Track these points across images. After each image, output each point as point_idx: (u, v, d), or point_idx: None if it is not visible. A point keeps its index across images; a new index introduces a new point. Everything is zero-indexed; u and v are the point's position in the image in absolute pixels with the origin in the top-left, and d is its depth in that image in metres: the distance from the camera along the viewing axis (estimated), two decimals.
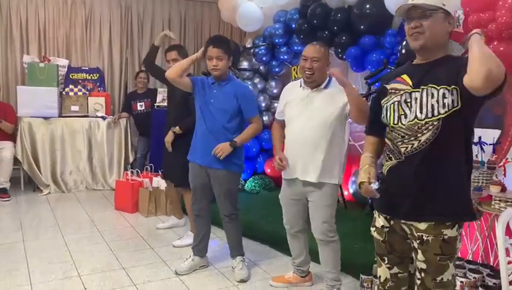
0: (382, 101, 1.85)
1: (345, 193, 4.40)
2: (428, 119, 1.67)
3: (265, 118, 5.50)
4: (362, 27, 3.99)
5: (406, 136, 1.73)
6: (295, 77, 5.34)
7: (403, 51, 3.37)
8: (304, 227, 2.84)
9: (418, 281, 1.78)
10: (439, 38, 1.71)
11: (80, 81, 5.87)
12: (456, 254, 1.76)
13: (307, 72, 2.57)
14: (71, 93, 5.62)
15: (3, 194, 4.94)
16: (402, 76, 1.80)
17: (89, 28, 6.09)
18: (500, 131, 3.12)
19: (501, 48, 2.70)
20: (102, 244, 3.69)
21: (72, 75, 5.84)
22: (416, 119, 1.70)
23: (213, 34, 6.43)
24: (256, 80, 5.44)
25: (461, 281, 2.52)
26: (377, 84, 3.63)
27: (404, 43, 3.36)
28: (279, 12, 5.02)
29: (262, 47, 5.21)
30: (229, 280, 3.08)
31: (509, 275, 1.85)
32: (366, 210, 3.96)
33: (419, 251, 1.74)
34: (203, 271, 3.19)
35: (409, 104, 1.73)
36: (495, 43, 2.74)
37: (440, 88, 1.66)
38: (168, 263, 3.33)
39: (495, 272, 2.60)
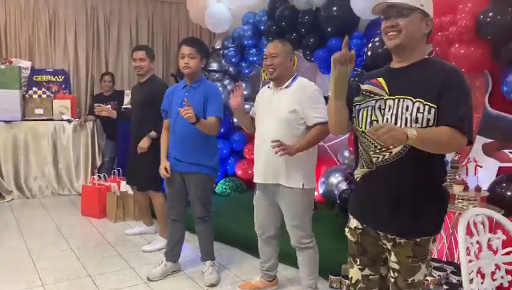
0: (355, 99, 1.79)
1: (315, 193, 4.42)
2: None
3: (235, 120, 5.48)
4: (329, 29, 4.02)
5: (378, 146, 1.69)
6: (265, 79, 5.35)
7: (369, 53, 3.42)
8: (276, 233, 2.79)
9: (392, 280, 1.78)
10: (415, 39, 1.67)
11: (44, 83, 5.70)
12: (429, 255, 1.75)
13: (269, 69, 2.59)
14: (35, 96, 5.45)
15: None
16: (378, 79, 1.75)
17: (53, 28, 5.93)
18: None
19: (461, 51, 2.78)
20: (67, 252, 3.59)
21: (35, 77, 5.66)
22: None
23: (182, 36, 6.45)
24: (226, 82, 5.42)
25: (426, 279, 2.57)
26: None
27: (370, 45, 3.41)
28: (248, 14, 5.02)
29: (231, 48, 5.20)
30: (198, 284, 3.04)
31: (469, 273, 1.89)
32: (335, 211, 4.00)
33: (393, 253, 1.74)
34: (172, 276, 3.14)
35: (382, 111, 1.69)
36: (456, 45, 2.81)
37: (416, 101, 1.61)
38: (136, 269, 3.27)
39: (459, 270, 2.66)
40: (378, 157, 1.70)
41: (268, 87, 2.71)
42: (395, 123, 1.64)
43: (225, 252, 3.62)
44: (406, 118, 1.62)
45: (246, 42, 5.03)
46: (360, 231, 1.83)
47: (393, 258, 1.74)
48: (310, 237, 2.66)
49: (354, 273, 1.90)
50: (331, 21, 3.98)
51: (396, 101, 1.66)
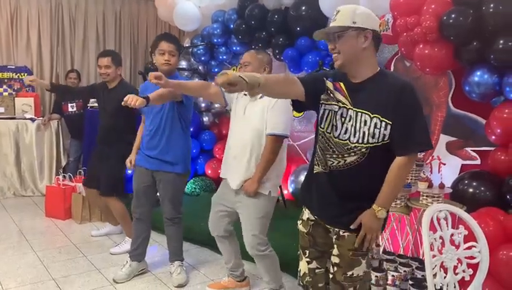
0: (322, 97, 1.81)
1: (285, 191, 4.45)
2: (358, 144, 1.72)
3: (205, 119, 5.45)
4: (298, 29, 4.04)
5: (336, 152, 1.76)
6: None
7: None
8: (225, 234, 2.75)
9: (331, 276, 1.85)
10: (356, 56, 1.71)
11: (6, 80, 5.49)
12: (370, 252, 1.85)
13: None
14: None
15: None
16: (340, 83, 1.78)
17: (15, 24, 5.70)
18: None
19: (426, 51, 2.84)
20: (30, 255, 3.46)
21: None
22: (348, 141, 1.73)
23: (150, 33, 6.36)
24: (196, 80, 5.36)
25: (392, 275, 2.61)
26: None
27: None
28: (217, 12, 4.98)
29: (200, 47, 5.15)
30: (166, 285, 3.00)
31: (433, 268, 1.94)
32: None
33: (335, 246, 1.83)
34: (139, 278, 3.08)
35: (343, 119, 1.75)
36: (420, 45, 2.87)
37: (373, 116, 1.69)
38: (102, 271, 3.19)
39: (423, 265, 2.71)
40: (333, 162, 1.78)
41: (245, 94, 2.63)
42: (354, 135, 1.72)
43: (194, 252, 3.59)
44: (364, 132, 1.71)
45: (215, 40, 5.00)
46: (313, 222, 1.92)
47: (335, 251, 1.83)
48: (266, 244, 2.64)
49: (303, 266, 1.98)
50: (300, 21, 4.00)
51: (355, 113, 1.73)
